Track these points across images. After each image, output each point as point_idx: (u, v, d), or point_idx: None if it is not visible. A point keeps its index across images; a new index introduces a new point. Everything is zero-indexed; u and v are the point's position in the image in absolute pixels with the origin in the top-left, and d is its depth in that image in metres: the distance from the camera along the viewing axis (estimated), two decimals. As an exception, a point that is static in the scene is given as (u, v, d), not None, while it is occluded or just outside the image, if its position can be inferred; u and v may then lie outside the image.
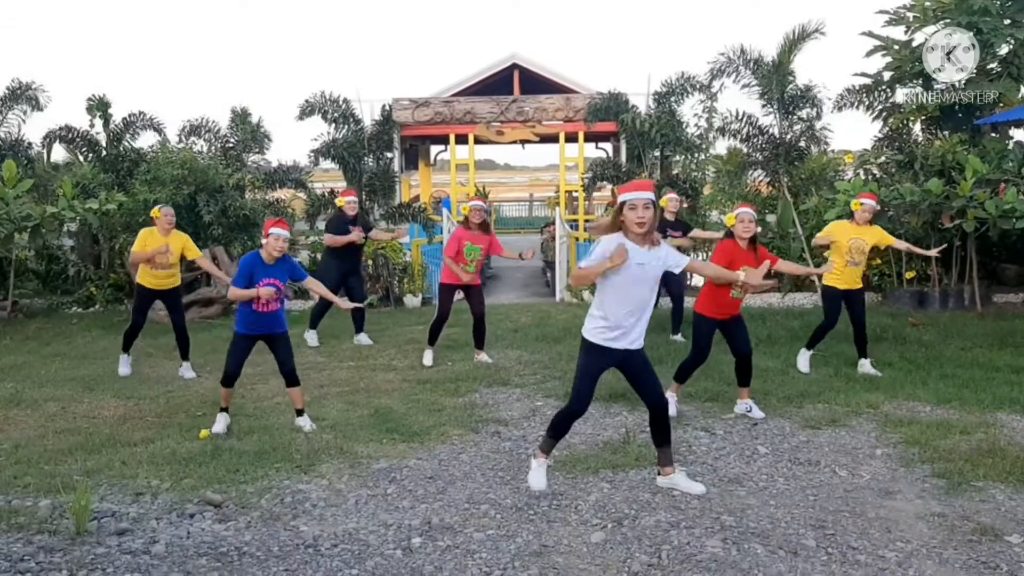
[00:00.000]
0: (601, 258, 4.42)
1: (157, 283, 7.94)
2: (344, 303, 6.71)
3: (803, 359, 7.67)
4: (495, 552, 4.08)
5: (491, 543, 4.18)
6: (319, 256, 11.87)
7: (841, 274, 7.42)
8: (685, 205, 9.35)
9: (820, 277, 8.75)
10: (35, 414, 6.72)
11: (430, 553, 4.09)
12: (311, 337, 9.39)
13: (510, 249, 8.72)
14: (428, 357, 8.33)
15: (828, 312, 7.59)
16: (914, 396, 6.76)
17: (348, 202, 9.54)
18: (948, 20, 12.10)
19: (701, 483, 4.84)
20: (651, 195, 4.47)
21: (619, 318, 4.53)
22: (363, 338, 9.53)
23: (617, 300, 4.52)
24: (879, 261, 11.66)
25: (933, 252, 8.43)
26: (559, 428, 4.82)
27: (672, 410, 6.19)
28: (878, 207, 7.46)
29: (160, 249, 7.77)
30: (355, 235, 9.36)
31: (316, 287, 6.38)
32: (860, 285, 7.59)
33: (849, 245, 7.37)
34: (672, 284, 9.18)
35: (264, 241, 6.03)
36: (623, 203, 4.49)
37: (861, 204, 7.52)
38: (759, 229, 6.31)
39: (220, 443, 5.76)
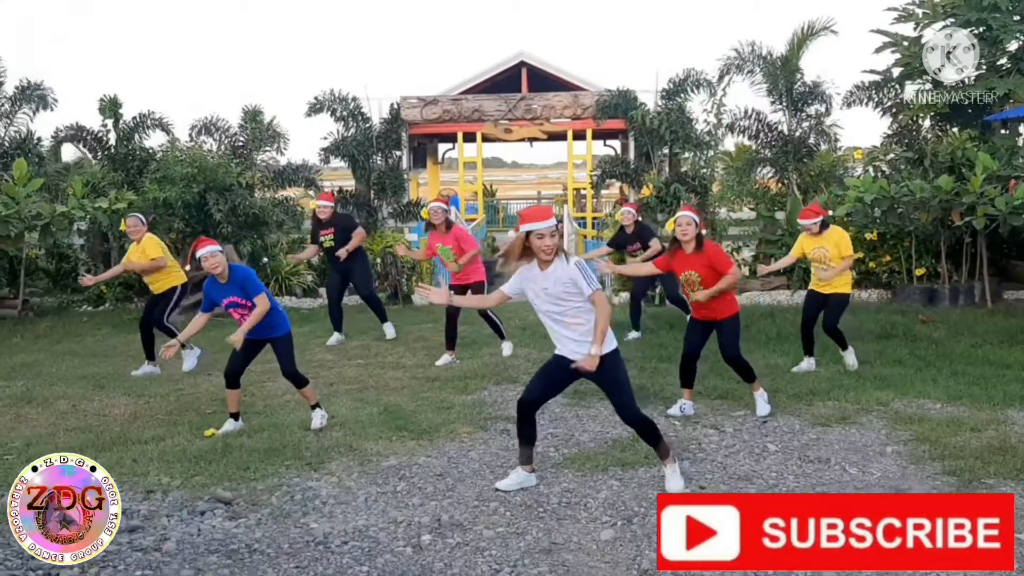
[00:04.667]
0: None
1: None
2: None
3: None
4: (504, 549, 4.09)
5: (501, 540, 4.19)
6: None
7: (813, 276, 7.63)
8: (639, 218, 9.22)
9: None
10: (46, 412, 6.76)
11: (440, 550, 4.10)
12: (388, 329, 9.53)
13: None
14: (443, 359, 8.25)
15: (803, 309, 7.74)
16: (924, 393, 6.73)
17: (320, 206, 9.44)
18: (957, 16, 12.05)
19: (682, 482, 4.80)
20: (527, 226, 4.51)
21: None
22: (388, 328, 9.56)
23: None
24: (888, 258, 11.62)
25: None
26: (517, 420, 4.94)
27: (689, 410, 6.33)
28: (820, 216, 7.47)
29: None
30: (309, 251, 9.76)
31: (262, 306, 5.69)
32: (837, 290, 7.46)
33: (811, 254, 7.49)
34: (668, 287, 9.33)
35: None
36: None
37: (799, 222, 7.67)
38: (704, 231, 6.30)
39: (230, 441, 5.77)
